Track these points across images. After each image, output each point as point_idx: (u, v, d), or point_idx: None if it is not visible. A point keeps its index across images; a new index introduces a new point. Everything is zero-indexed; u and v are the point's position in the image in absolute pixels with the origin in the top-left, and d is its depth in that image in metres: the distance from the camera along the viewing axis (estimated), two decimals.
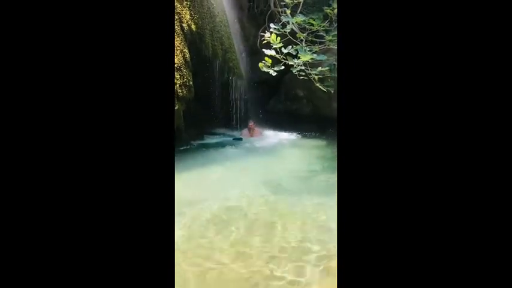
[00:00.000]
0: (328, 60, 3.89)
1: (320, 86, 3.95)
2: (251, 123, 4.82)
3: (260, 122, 5.10)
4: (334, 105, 5.16)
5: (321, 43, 4.06)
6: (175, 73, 3.65)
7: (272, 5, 4.92)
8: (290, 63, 3.65)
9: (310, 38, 4.05)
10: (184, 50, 3.79)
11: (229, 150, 4.10)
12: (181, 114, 3.80)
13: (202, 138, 4.36)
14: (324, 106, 5.58)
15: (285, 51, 3.56)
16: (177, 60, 3.68)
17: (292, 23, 3.81)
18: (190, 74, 3.84)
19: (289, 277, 1.45)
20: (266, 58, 3.52)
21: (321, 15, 4.31)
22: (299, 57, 3.65)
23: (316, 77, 3.80)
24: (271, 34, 3.54)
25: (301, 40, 3.90)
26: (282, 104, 6.02)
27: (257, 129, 4.87)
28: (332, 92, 3.97)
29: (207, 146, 4.13)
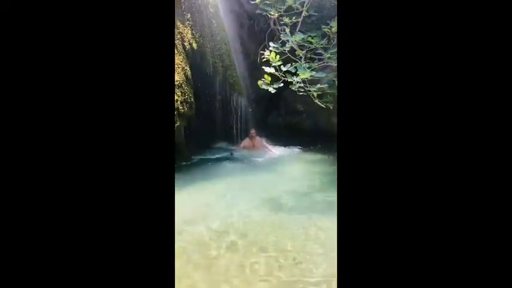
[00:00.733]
0: (327, 77, 3.96)
1: (319, 102, 4.01)
2: (252, 132, 4.84)
3: (260, 135, 5.14)
4: (334, 119, 5.22)
5: (319, 60, 4.16)
6: (177, 90, 3.72)
7: (272, 23, 5.05)
8: (289, 80, 3.73)
9: (309, 55, 4.14)
10: (185, 68, 3.87)
11: (230, 165, 4.12)
12: (182, 130, 3.85)
13: (203, 154, 4.39)
14: (323, 120, 5.64)
15: (284, 69, 3.64)
16: (179, 77, 3.76)
17: (292, 42, 3.91)
18: (192, 90, 3.91)
19: None
20: (265, 76, 3.60)
21: (319, 33, 4.42)
22: (298, 75, 3.72)
23: (315, 94, 3.87)
24: (270, 52, 3.64)
25: (300, 57, 4.00)
26: (282, 118, 6.09)
27: (258, 138, 4.89)
28: (331, 107, 4.02)
29: (208, 161, 4.15)
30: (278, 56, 3.58)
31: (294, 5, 3.87)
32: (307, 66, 3.89)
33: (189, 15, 3.97)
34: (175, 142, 3.73)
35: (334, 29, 4.01)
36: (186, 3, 3.94)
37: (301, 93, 4.03)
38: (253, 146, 4.83)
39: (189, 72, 3.90)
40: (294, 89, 3.76)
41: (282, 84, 3.65)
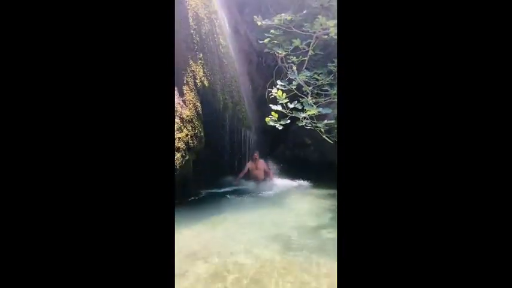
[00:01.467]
0: (333, 112, 4.05)
1: (327, 138, 4.06)
2: (256, 154, 4.91)
3: (264, 159, 5.16)
4: None
5: (326, 96, 4.27)
6: (188, 125, 3.84)
7: (279, 61, 5.29)
8: (296, 116, 3.82)
9: (315, 92, 4.27)
10: (197, 104, 4.03)
11: (237, 199, 4.10)
12: (191, 163, 3.91)
13: (211, 187, 4.40)
14: (331, 154, 5.64)
15: (291, 106, 3.75)
16: (190, 113, 3.90)
17: (298, 79, 4.07)
18: (202, 125, 4.03)
19: None
20: (273, 113, 3.70)
21: (325, 70, 4.59)
22: (305, 111, 3.82)
23: (322, 129, 3.93)
24: (278, 90, 3.78)
25: (307, 94, 4.12)
26: (290, 150, 6.13)
27: (261, 161, 4.94)
28: None
29: (216, 196, 4.15)
30: (285, 94, 3.71)
31: (300, 46, 4.08)
32: (314, 102, 4.01)
33: (201, 55, 4.21)
34: (184, 176, 3.78)
35: None
36: (199, 44, 4.20)
37: (308, 128, 4.10)
38: (256, 168, 4.92)
39: (200, 108, 4.06)
40: (301, 125, 3.84)
41: (289, 121, 3.74)
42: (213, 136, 4.32)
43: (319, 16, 4.00)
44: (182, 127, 3.78)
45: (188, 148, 3.76)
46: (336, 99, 4.28)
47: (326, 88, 4.33)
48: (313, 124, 3.97)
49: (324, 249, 2.44)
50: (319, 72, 4.52)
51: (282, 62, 5.28)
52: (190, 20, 4.13)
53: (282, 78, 4.68)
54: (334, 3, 4.20)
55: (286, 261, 2.23)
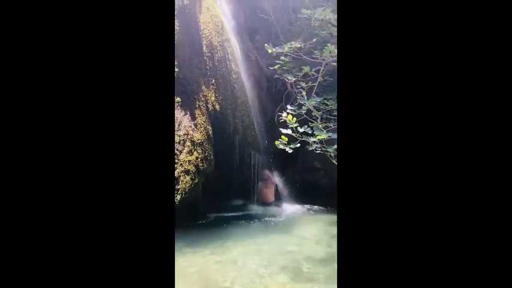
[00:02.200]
0: None
1: (336, 162, 4.02)
2: (266, 173, 4.86)
3: (276, 192, 5.10)
4: None
5: (335, 121, 4.29)
6: (198, 148, 3.89)
7: (289, 86, 5.41)
8: (306, 140, 3.83)
9: (325, 116, 4.30)
10: (208, 127, 4.11)
11: (245, 224, 4.03)
12: (200, 186, 3.91)
13: (220, 211, 4.36)
14: None
15: (301, 130, 3.78)
16: (201, 136, 3.97)
17: (308, 104, 4.12)
18: (212, 148, 4.08)
19: None
20: (283, 136, 3.73)
21: (334, 95, 4.64)
22: (315, 135, 3.83)
23: (332, 154, 3.91)
24: (287, 115, 3.83)
25: (316, 118, 4.16)
26: (299, 174, 6.07)
27: (271, 179, 4.88)
28: None
29: (224, 220, 4.09)
30: (295, 118, 3.75)
31: (309, 72, 4.18)
32: (324, 126, 4.03)
33: (213, 81, 4.35)
34: (193, 199, 3.77)
35: None
36: (212, 70, 4.36)
37: (318, 152, 4.09)
38: (266, 187, 4.88)
39: (210, 131, 4.12)
40: (311, 149, 3.84)
41: (299, 145, 3.75)
42: (223, 159, 4.35)
43: (328, 44, 4.13)
44: (193, 150, 3.83)
45: (198, 171, 3.78)
46: None
47: (335, 113, 4.36)
48: (323, 148, 3.96)
49: (335, 281, 2.33)
50: (328, 97, 4.58)
51: (292, 87, 5.40)
52: (204, 48, 4.32)
53: (292, 103, 4.76)
54: None
55: None
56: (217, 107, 4.29)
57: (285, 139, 3.74)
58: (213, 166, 4.05)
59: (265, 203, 4.93)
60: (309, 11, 4.15)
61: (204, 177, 3.91)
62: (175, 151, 3.78)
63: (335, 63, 4.26)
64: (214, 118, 4.26)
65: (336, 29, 4.42)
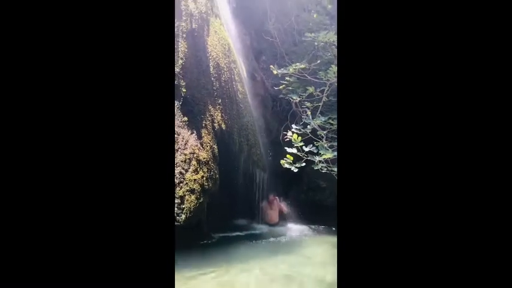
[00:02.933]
0: None
1: None
2: (271, 196, 4.81)
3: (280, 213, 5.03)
4: None
5: None
6: (204, 166, 3.91)
7: (294, 105, 5.48)
8: (311, 159, 3.83)
9: (330, 136, 4.32)
10: (213, 146, 4.14)
11: (251, 244, 3.96)
12: (205, 206, 3.89)
13: (224, 231, 4.31)
14: None
15: (306, 149, 3.79)
16: (206, 155, 4.00)
17: (313, 124, 4.15)
18: (217, 167, 4.09)
19: None
20: (288, 155, 3.74)
21: None
22: (320, 154, 3.83)
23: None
24: (293, 134, 3.86)
25: (322, 137, 4.17)
26: (304, 194, 6.01)
27: (276, 202, 4.83)
28: None
29: (228, 240, 4.04)
30: (300, 138, 3.78)
31: (314, 93, 4.24)
32: (329, 146, 4.03)
33: (220, 101, 4.44)
34: (197, 218, 3.74)
35: None
36: (219, 91, 4.46)
37: (323, 171, 4.07)
38: (271, 208, 4.81)
39: (216, 150, 4.15)
40: (316, 168, 3.83)
41: (304, 164, 3.75)
42: (228, 178, 4.35)
43: (333, 65, 4.22)
44: (198, 169, 3.85)
45: (203, 190, 3.78)
46: None
47: None
48: (329, 168, 3.94)
49: None
50: (333, 117, 4.61)
51: (297, 107, 5.47)
52: (212, 69, 4.44)
53: (297, 122, 4.80)
54: None
55: None
56: (223, 126, 4.35)
57: (290, 158, 3.75)
58: (218, 185, 4.05)
59: (270, 224, 4.87)
60: (312, 35, 4.28)
61: (209, 197, 3.90)
62: (181, 170, 3.80)
63: None
64: (220, 137, 4.31)
65: None
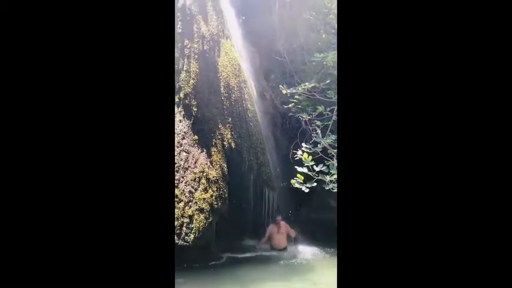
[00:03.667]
0: None
1: None
2: (278, 218, 4.63)
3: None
4: None
5: None
6: (213, 185, 3.89)
7: (303, 123, 5.47)
8: (322, 179, 3.76)
9: None
10: (223, 165, 4.14)
11: (260, 266, 3.84)
12: (214, 226, 3.84)
13: (233, 251, 4.22)
14: None
15: (317, 169, 3.73)
16: (216, 174, 3.99)
17: (323, 143, 4.11)
18: (227, 186, 4.06)
19: None
20: (298, 175, 3.68)
21: None
22: (331, 174, 3.76)
23: None
24: (303, 153, 3.82)
25: (332, 156, 4.11)
26: (315, 213, 5.87)
27: (284, 224, 4.64)
28: None
29: (236, 261, 3.94)
30: (310, 157, 3.73)
31: (324, 112, 4.24)
32: None
33: (230, 119, 4.48)
34: (206, 238, 3.68)
35: None
36: (229, 109, 4.51)
37: (334, 191, 3.99)
38: (278, 232, 4.61)
39: (225, 169, 4.15)
40: (327, 188, 3.75)
41: (315, 184, 3.68)
42: (237, 197, 4.31)
43: None
44: (208, 188, 3.83)
45: (212, 210, 3.74)
46: None
47: None
48: None
49: None
50: None
51: (306, 125, 5.46)
52: (222, 89, 4.52)
53: (307, 140, 4.77)
54: None
55: None
56: (232, 144, 4.37)
57: (300, 178, 3.69)
58: (227, 205, 4.01)
59: (277, 249, 4.60)
60: (322, 55, 4.34)
61: (218, 217, 3.86)
62: (191, 189, 3.79)
63: None
64: (230, 155, 4.31)
65: None
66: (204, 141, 4.10)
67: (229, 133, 4.40)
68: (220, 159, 4.13)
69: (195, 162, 3.95)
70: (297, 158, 3.95)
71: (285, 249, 4.62)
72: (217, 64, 4.61)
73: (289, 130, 6.45)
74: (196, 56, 4.44)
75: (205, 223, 3.60)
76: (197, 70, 4.37)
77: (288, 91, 4.49)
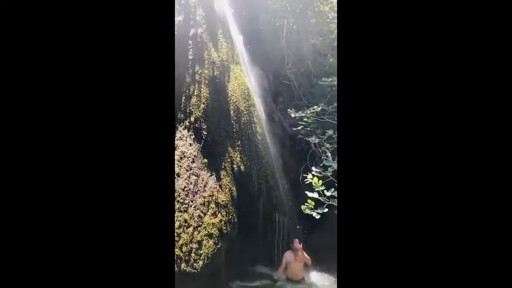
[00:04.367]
0: None
1: None
2: (296, 243, 4.21)
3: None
4: None
5: None
6: (222, 210, 3.84)
7: (313, 146, 5.44)
8: (334, 204, 3.66)
9: None
10: (232, 188, 4.11)
11: None
12: (223, 252, 3.74)
13: (243, 279, 4.06)
14: None
15: (328, 193, 3.65)
16: (225, 197, 3.95)
17: (334, 166, 4.05)
18: (236, 211, 4.00)
19: None
20: (309, 201, 3.60)
21: None
22: None
23: None
24: (313, 177, 3.75)
25: None
26: (326, 238, 5.67)
27: (301, 252, 4.28)
28: None
29: None
30: (321, 181, 3.66)
31: (333, 135, 4.22)
32: None
33: (239, 142, 4.50)
34: (215, 265, 3.58)
35: None
36: (238, 133, 4.54)
37: None
38: (295, 259, 4.18)
39: (235, 193, 4.10)
40: None
41: (326, 210, 3.59)
42: (247, 222, 4.22)
43: None
44: (217, 212, 3.78)
45: (221, 235, 3.67)
46: None
47: None
48: None
49: None
50: None
51: (316, 147, 5.43)
52: (232, 112, 4.59)
53: (317, 163, 4.71)
54: None
55: None
56: (242, 167, 4.35)
57: (311, 203, 3.61)
58: (237, 230, 3.92)
59: (293, 280, 4.19)
60: (329, 79, 4.39)
61: (227, 242, 3.76)
62: (200, 213, 3.75)
63: None
64: (239, 179, 4.28)
65: None
66: (214, 165, 4.10)
67: (239, 156, 4.40)
68: (229, 182, 4.10)
69: (204, 186, 3.93)
70: (307, 181, 3.88)
71: (302, 280, 4.31)
72: (227, 89, 4.72)
73: (299, 152, 6.41)
74: (206, 82, 4.56)
75: (214, 249, 3.52)
76: (207, 95, 4.48)
77: (297, 115, 4.52)
